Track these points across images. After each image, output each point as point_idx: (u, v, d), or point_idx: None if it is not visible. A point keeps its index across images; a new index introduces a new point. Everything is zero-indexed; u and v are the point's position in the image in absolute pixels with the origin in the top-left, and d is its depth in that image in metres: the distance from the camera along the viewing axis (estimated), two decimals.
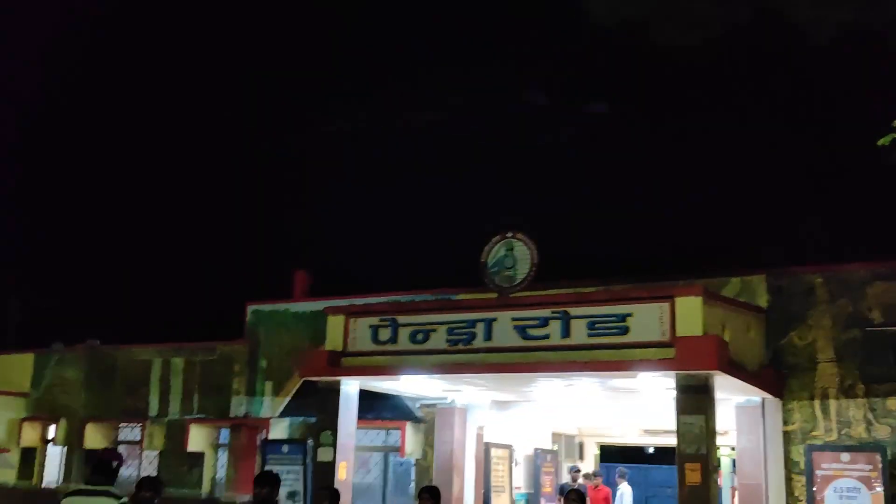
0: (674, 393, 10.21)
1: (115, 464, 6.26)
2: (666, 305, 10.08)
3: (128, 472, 18.35)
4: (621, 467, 16.77)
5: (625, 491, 16.00)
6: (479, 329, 11.28)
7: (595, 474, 16.01)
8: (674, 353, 9.85)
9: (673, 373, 10.00)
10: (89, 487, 6.18)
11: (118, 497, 6.04)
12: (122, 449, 18.53)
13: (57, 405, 19.25)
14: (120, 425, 18.62)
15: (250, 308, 17.52)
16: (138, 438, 17.99)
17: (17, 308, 28.03)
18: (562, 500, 15.25)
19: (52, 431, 19.11)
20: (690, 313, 9.91)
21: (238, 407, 17.00)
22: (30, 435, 19.30)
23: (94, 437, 18.46)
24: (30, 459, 19.41)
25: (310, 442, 13.60)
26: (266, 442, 15.04)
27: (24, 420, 19.43)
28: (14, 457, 19.45)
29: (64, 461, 18.95)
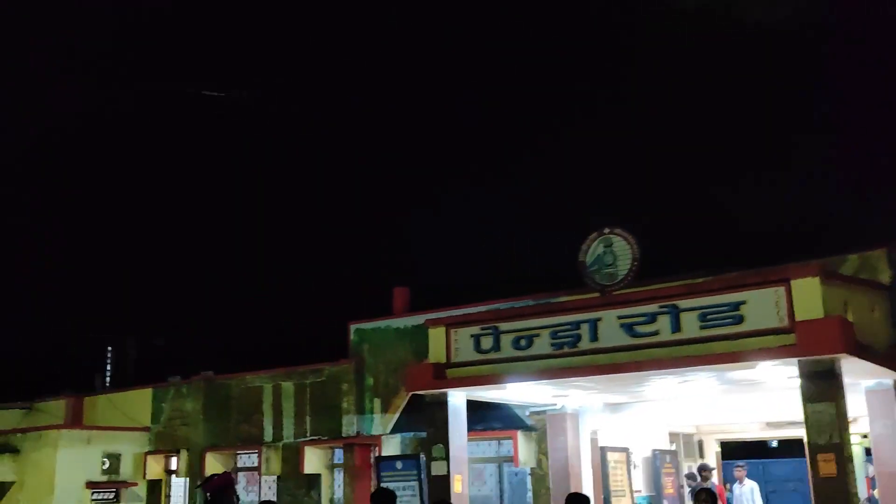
0: (797, 381, 9.68)
1: (207, 495, 6.24)
2: (782, 289, 9.57)
3: (249, 497, 18.73)
4: (739, 463, 16.02)
5: (754, 487, 15.26)
6: (584, 330, 10.98)
7: (702, 469, 15.27)
8: (794, 338, 9.33)
9: (795, 360, 9.48)
10: None
11: None
12: (240, 476, 18.96)
13: (177, 437, 19.82)
14: (237, 452, 19.01)
15: (353, 327, 17.65)
16: (256, 464, 18.30)
17: (134, 346, 29.10)
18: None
19: (174, 463, 19.66)
20: (809, 295, 9.37)
21: (349, 426, 17.10)
22: (154, 468, 19.91)
23: (213, 466, 18.86)
24: (156, 491, 20.03)
25: (422, 457, 13.52)
26: (379, 459, 15.06)
27: (147, 453, 20.07)
28: (142, 490, 20.11)
29: (187, 491, 19.47)
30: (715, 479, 14.79)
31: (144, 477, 19.99)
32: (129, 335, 29.06)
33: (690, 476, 15.59)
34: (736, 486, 15.13)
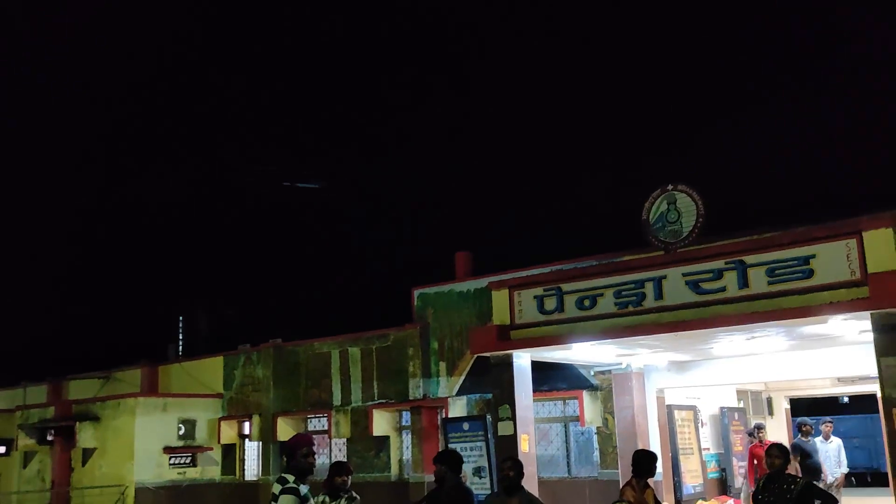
0: (870, 335, 9.47)
1: (287, 453, 6.38)
2: (853, 242, 9.35)
3: (320, 460, 19.17)
4: (827, 419, 15.45)
5: (840, 443, 14.79)
6: (649, 289, 10.90)
7: (758, 428, 14.60)
8: (867, 291, 9.12)
9: (867, 313, 9.26)
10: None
11: (285, 482, 6.19)
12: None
13: (249, 403, 20.36)
14: (308, 417, 19.46)
15: (416, 292, 17.81)
16: (325, 428, 18.72)
17: (204, 316, 29.85)
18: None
19: (247, 428, 20.22)
20: (881, 247, 9.13)
21: (416, 389, 17.34)
22: (228, 433, 20.52)
23: (285, 430, 19.37)
24: (230, 455, 20.66)
25: (489, 417, 13.65)
26: (446, 421, 15.25)
27: (221, 419, 20.68)
28: (216, 454, 20.75)
29: (261, 455, 20.04)
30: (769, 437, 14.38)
31: (219, 441, 20.61)
32: (201, 306, 29.83)
33: (750, 433, 15.33)
34: (819, 442, 14.48)
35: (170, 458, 20.05)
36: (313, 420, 19.43)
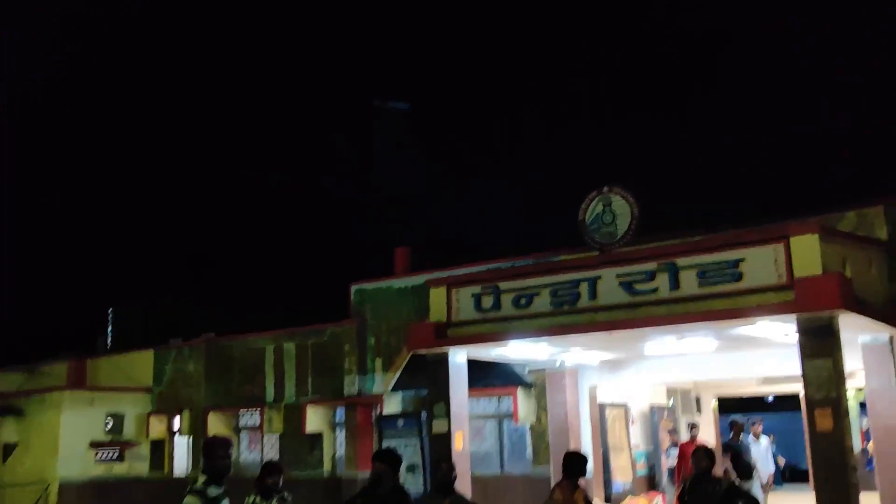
0: (795, 337, 9.76)
1: (205, 453, 6.27)
2: (780, 246, 9.61)
3: (252, 456, 18.97)
4: (755, 417, 15.71)
5: (769, 442, 15.09)
6: (584, 288, 11.03)
7: (692, 426, 14.87)
8: (793, 295, 9.38)
9: (793, 316, 9.54)
10: None
11: (194, 482, 6.09)
12: (242, 435, 19.18)
13: (180, 397, 20.00)
14: (240, 412, 19.21)
15: (354, 288, 17.73)
16: (258, 423, 18.51)
17: (135, 308, 29.23)
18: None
19: (176, 423, 19.87)
20: (808, 252, 9.41)
21: (351, 386, 17.27)
22: (157, 428, 20.13)
23: (216, 426, 19.10)
24: (159, 451, 20.27)
25: (423, 414, 13.67)
26: (381, 418, 15.24)
27: (150, 414, 20.27)
28: (145, 449, 20.34)
29: (190, 450, 19.71)
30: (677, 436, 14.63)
31: (147, 437, 20.21)
32: (131, 297, 29.18)
33: (673, 431, 15.58)
34: (751, 442, 14.59)
35: (96, 454, 19.58)
36: (245, 416, 19.19)
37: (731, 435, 14.27)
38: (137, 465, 20.22)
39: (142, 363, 21.12)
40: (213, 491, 6.05)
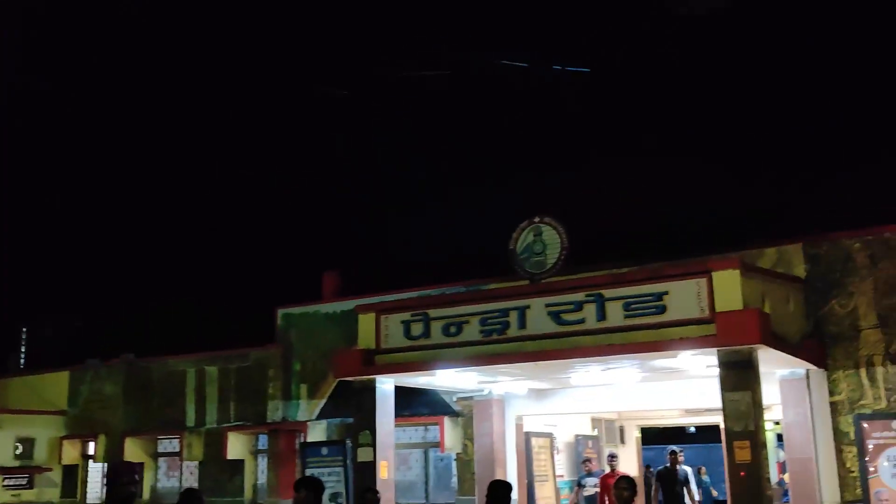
0: (716, 370, 9.99)
1: (108, 480, 6.06)
2: (703, 281, 9.85)
3: (170, 483, 18.43)
4: (676, 448, 15.98)
5: (689, 471, 15.39)
6: (513, 317, 11.11)
7: (611, 457, 14.74)
8: (714, 329, 9.62)
9: (714, 350, 9.77)
10: None
11: None
12: (161, 461, 18.64)
13: (95, 421, 19.34)
14: (158, 437, 18.67)
15: (280, 312, 17.47)
16: (177, 450, 18.01)
17: (50, 327, 28.25)
18: (578, 489, 14.92)
19: (91, 448, 19.20)
20: (729, 287, 9.67)
21: (275, 412, 16.96)
22: (70, 453, 19.42)
23: (133, 451, 18.52)
24: (72, 477, 19.53)
25: (348, 443, 13.50)
26: (305, 445, 14.99)
27: (63, 438, 19.54)
28: (56, 475, 19.57)
29: (105, 477, 19.04)
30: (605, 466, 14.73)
31: (60, 462, 19.47)
32: (46, 315, 28.19)
33: (587, 461, 15.64)
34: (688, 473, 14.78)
35: (3, 479, 18.75)
36: (164, 441, 18.66)
37: (669, 464, 14.48)
38: (48, 491, 19.42)
39: (56, 384, 20.37)
40: None
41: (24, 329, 27.73)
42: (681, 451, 15.45)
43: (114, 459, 18.18)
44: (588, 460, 15.27)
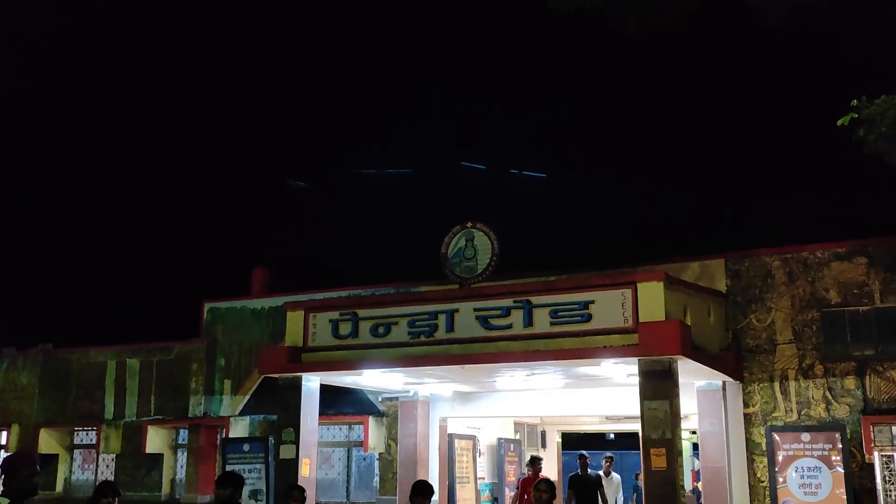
0: (636, 379, 10.23)
1: (8, 471, 5.81)
2: (628, 291, 10.09)
3: (84, 475, 17.98)
4: (608, 454, 15.94)
5: (619, 479, 15.51)
6: (441, 320, 11.20)
7: (534, 460, 14.17)
8: (637, 338, 9.86)
9: (636, 359, 10.01)
10: None
11: None
12: (76, 453, 18.16)
13: (9, 411, 18.73)
14: (75, 429, 18.19)
15: (207, 306, 17.22)
16: (94, 442, 17.59)
17: None
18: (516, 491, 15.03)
19: (3, 438, 18.58)
20: (652, 299, 9.93)
21: (196, 407, 16.70)
22: None
23: (47, 443, 18.02)
24: None
25: (271, 440, 13.40)
26: (226, 441, 14.82)
27: None
28: None
29: (1, 468, 18.43)
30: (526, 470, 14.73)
31: None
32: None
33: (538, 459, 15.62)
34: (603, 478, 14.35)
35: None
36: (81, 433, 18.19)
37: (579, 468, 14.40)
38: None
39: None
40: None
41: None
42: (603, 458, 15.58)
43: (13, 451, 17.63)
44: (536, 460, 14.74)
